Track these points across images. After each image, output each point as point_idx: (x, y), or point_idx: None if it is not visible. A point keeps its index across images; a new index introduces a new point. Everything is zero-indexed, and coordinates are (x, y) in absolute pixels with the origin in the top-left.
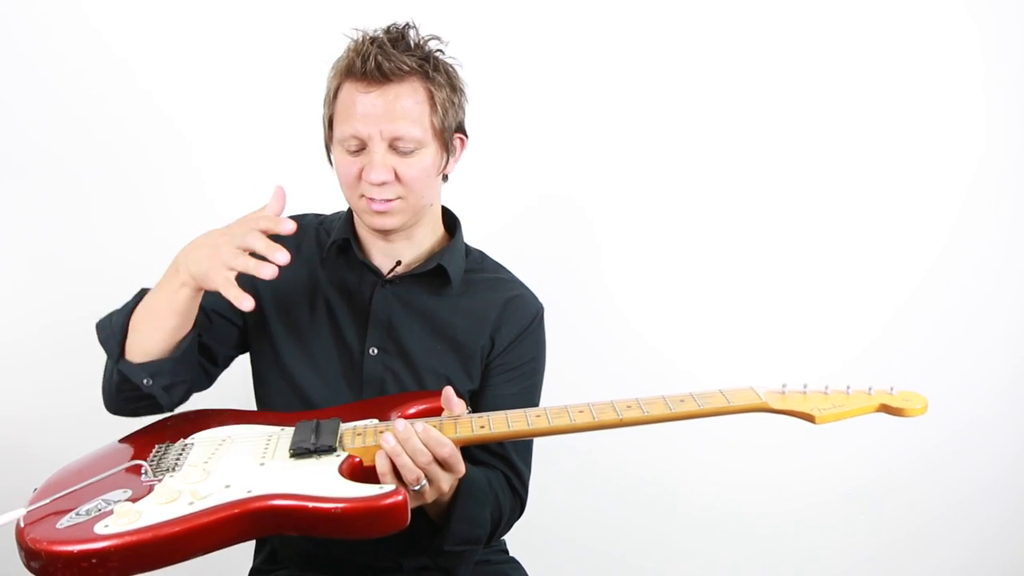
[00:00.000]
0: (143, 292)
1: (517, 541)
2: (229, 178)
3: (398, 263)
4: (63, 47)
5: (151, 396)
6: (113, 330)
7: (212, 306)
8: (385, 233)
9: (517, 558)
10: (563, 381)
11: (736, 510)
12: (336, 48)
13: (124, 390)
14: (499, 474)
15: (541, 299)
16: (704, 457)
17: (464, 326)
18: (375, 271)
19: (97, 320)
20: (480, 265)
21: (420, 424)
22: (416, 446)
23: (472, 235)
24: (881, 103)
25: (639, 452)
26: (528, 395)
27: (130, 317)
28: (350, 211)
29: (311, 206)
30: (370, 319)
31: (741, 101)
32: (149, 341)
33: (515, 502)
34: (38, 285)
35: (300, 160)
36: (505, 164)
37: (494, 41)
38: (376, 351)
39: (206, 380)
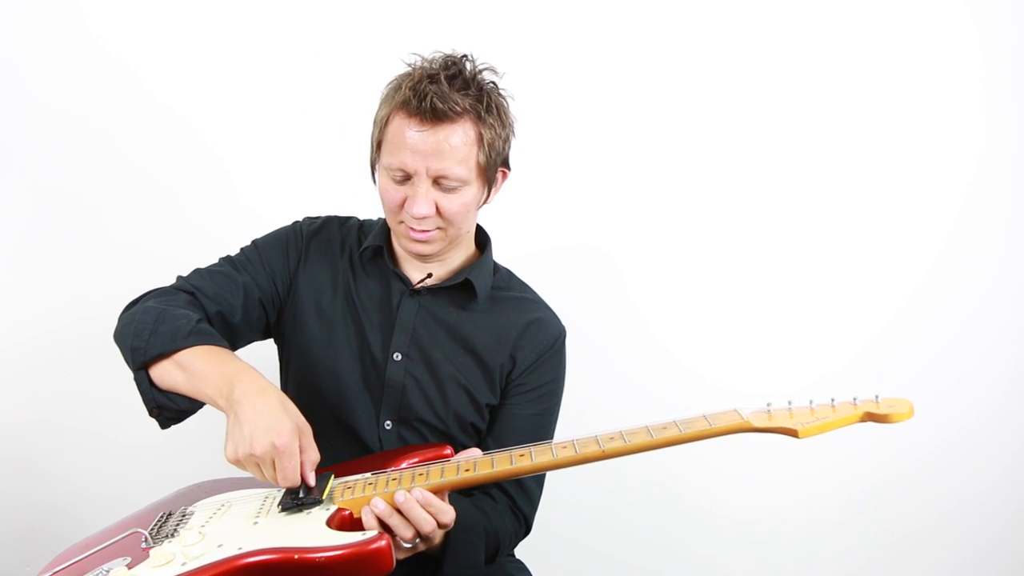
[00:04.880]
0: (198, 336)
1: (522, 545)
2: (255, 181)
3: (429, 275)
4: (60, 54)
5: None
6: (148, 345)
7: (255, 292)
8: (421, 257)
9: (523, 560)
10: (588, 400)
11: (737, 514)
12: (362, 51)
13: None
14: (503, 499)
15: (564, 321)
16: (706, 461)
17: (485, 342)
18: (404, 280)
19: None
20: (507, 283)
21: (419, 492)
22: (420, 515)
23: (503, 254)
24: (881, 104)
25: (643, 456)
26: (545, 417)
27: (174, 352)
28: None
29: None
30: (396, 325)
31: (742, 108)
32: (175, 385)
33: (517, 525)
34: (46, 288)
35: (331, 162)
36: (541, 189)
37: (519, 57)
38: (400, 356)
39: None
